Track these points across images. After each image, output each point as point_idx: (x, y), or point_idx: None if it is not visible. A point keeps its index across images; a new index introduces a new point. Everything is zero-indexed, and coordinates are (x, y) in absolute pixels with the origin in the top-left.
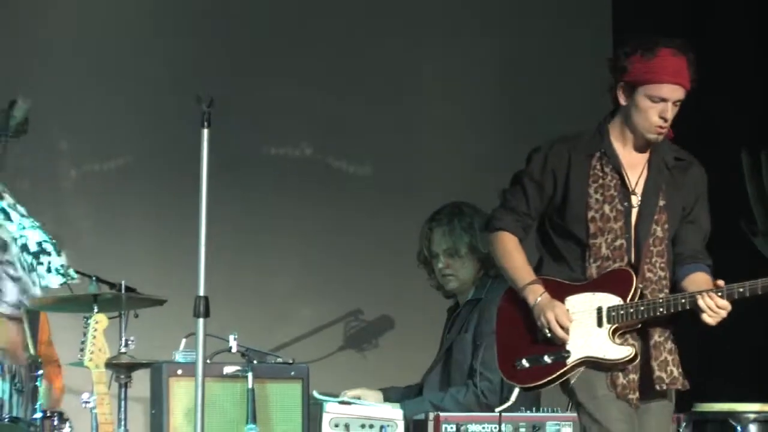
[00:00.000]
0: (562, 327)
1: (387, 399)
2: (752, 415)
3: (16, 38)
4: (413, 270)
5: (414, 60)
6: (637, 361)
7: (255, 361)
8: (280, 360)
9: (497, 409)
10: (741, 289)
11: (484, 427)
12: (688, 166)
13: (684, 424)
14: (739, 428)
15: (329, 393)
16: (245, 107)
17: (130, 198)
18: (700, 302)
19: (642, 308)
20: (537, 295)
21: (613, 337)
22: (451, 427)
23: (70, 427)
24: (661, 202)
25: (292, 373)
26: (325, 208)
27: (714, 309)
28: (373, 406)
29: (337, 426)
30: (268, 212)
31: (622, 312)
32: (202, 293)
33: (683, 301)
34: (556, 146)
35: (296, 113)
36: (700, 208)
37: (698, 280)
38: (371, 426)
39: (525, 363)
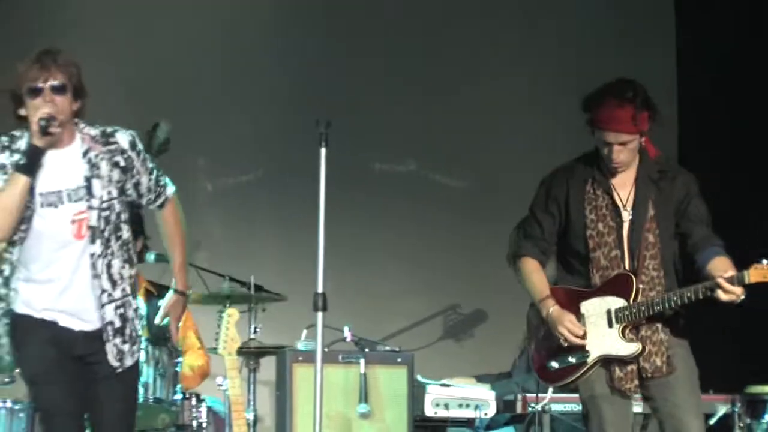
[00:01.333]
0: (576, 335)
1: (480, 382)
2: None
3: (160, 69)
4: (504, 270)
5: (505, 85)
6: (645, 352)
7: (366, 349)
8: (388, 348)
9: (537, 406)
10: (689, 294)
11: (565, 407)
12: (675, 175)
13: (739, 405)
14: None
15: (431, 377)
16: (358, 127)
17: (257, 208)
18: (722, 296)
19: (643, 308)
20: (548, 308)
21: (623, 335)
22: (537, 406)
23: (207, 407)
24: (651, 212)
25: (399, 359)
26: (428, 216)
27: (731, 295)
28: (469, 387)
29: (437, 405)
30: (378, 219)
31: (627, 312)
32: (320, 290)
33: (674, 298)
34: (556, 177)
35: (403, 133)
36: (696, 205)
37: (717, 265)
38: (467, 405)
39: (554, 365)
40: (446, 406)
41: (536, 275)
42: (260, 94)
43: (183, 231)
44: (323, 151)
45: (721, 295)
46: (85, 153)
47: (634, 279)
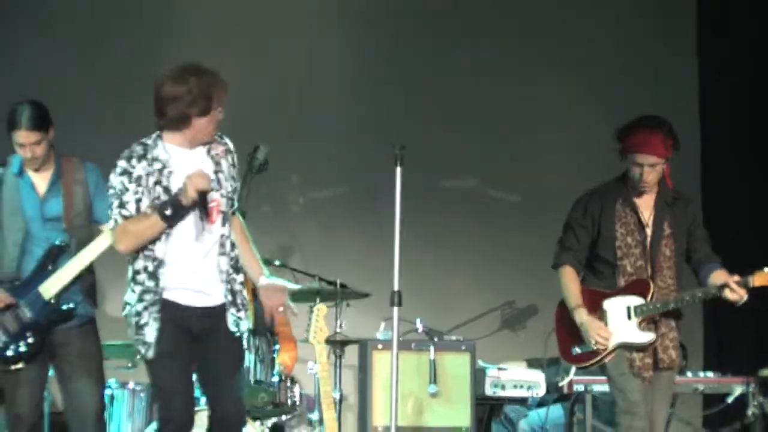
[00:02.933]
0: (605, 339)
1: (531, 366)
2: None
3: (257, 96)
4: (551, 271)
5: (551, 113)
6: (657, 343)
7: (435, 339)
8: (453, 338)
9: (561, 383)
10: (689, 297)
11: (604, 387)
12: (687, 202)
13: (753, 386)
14: None
15: (490, 362)
16: (428, 149)
17: (343, 218)
18: (729, 295)
19: (658, 305)
20: (581, 317)
21: (640, 327)
22: (581, 387)
23: (299, 388)
24: (667, 231)
25: (463, 347)
26: (486, 225)
27: (736, 295)
28: (522, 371)
29: (495, 386)
30: (445, 228)
31: (644, 308)
32: (396, 288)
33: (686, 297)
34: (592, 197)
35: (464, 153)
36: (700, 229)
37: (718, 275)
38: (521, 386)
39: (578, 350)
40: (503, 387)
41: (573, 284)
42: (344, 121)
43: None
44: (398, 169)
45: (729, 295)
46: (209, 152)
47: (651, 283)
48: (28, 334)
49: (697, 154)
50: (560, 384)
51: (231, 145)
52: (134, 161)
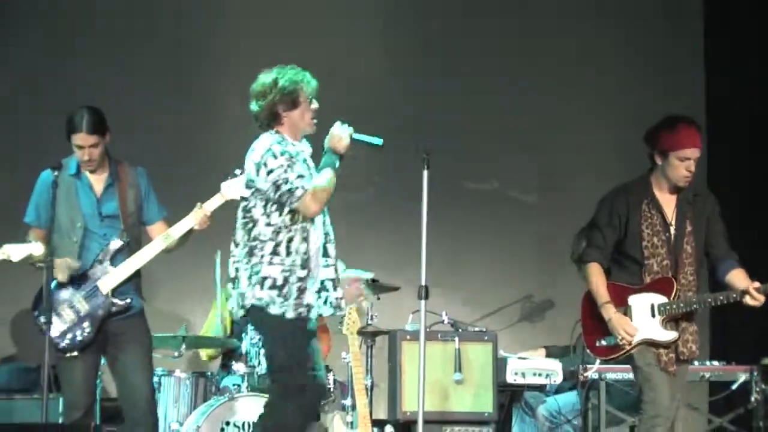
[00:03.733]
0: (631, 336)
1: (549, 355)
2: None
3: None
4: (566, 268)
5: (570, 116)
6: (679, 341)
7: (460, 329)
8: (477, 329)
9: (586, 374)
10: (722, 298)
11: (617, 375)
12: (706, 197)
13: (756, 374)
14: None
15: (511, 351)
16: (453, 153)
17: (373, 218)
18: (750, 301)
19: (682, 305)
20: (610, 313)
21: (663, 325)
22: (595, 375)
23: (333, 375)
24: (689, 228)
25: (486, 338)
26: (506, 225)
27: (756, 302)
28: (541, 359)
29: (516, 374)
30: (469, 227)
31: (668, 307)
32: (423, 283)
33: (709, 300)
34: (617, 196)
35: (486, 158)
36: (719, 222)
37: (737, 275)
38: (540, 374)
39: (603, 342)
40: (523, 375)
41: (601, 281)
42: (375, 126)
43: None
44: (425, 173)
45: (749, 301)
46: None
47: (675, 282)
48: (84, 325)
49: (704, 154)
50: (586, 373)
51: None
52: (285, 144)
